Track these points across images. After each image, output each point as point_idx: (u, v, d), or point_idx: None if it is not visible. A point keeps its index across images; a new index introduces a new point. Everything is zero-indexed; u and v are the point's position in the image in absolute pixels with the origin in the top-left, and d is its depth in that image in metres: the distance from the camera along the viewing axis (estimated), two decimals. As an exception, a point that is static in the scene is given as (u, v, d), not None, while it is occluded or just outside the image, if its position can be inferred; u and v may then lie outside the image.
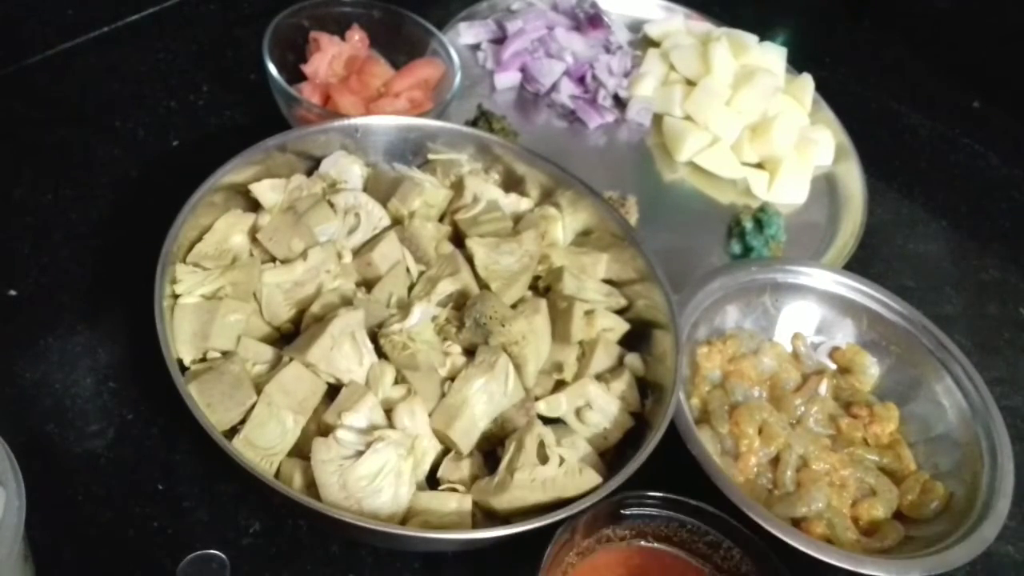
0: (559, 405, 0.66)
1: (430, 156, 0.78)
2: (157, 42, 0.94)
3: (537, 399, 0.65)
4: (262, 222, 0.68)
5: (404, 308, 0.65)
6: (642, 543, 0.62)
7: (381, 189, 0.74)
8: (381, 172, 0.76)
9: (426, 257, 0.71)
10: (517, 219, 0.77)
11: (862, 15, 1.33)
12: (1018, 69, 1.20)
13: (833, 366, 0.80)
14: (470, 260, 0.70)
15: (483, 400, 0.62)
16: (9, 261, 0.73)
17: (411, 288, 0.69)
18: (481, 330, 0.64)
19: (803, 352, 0.80)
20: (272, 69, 0.80)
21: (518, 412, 0.64)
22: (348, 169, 0.74)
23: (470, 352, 0.65)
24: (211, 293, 0.64)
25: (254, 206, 0.71)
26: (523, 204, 0.78)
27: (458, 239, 0.73)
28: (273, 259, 0.68)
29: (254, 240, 0.68)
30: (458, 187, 0.76)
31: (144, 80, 0.90)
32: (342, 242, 0.70)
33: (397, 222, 0.72)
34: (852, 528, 0.68)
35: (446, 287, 0.67)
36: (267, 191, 0.71)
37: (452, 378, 0.64)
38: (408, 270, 0.69)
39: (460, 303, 0.67)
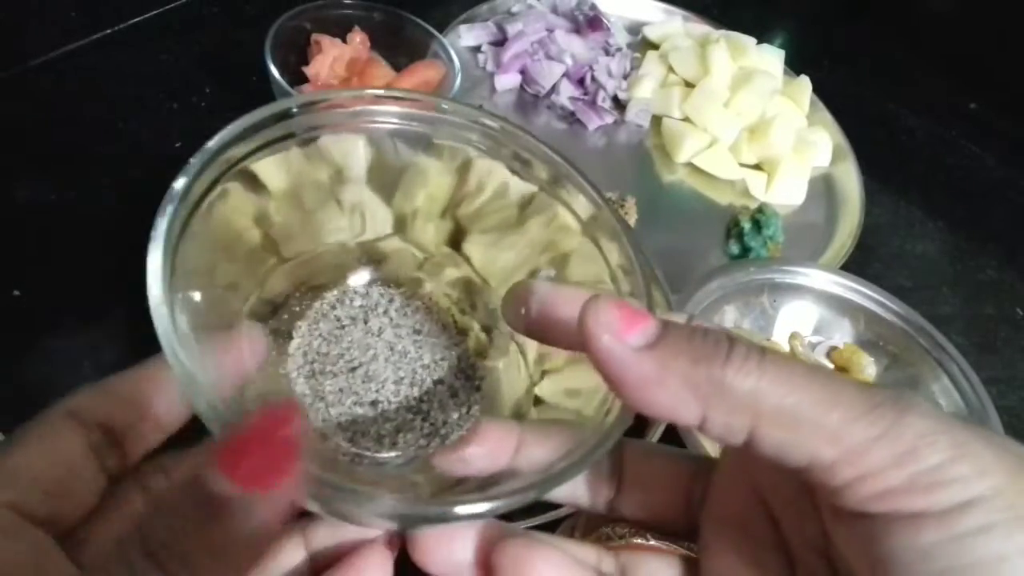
0: (559, 404, 0.66)
1: (435, 140, 0.78)
2: (159, 44, 0.95)
3: (537, 398, 0.66)
4: (269, 209, 0.67)
5: (415, 284, 0.65)
6: (641, 541, 0.62)
7: (385, 179, 0.73)
8: (385, 158, 0.75)
9: (427, 252, 0.71)
10: (526, 203, 0.76)
11: (860, 18, 1.34)
12: (1016, 71, 1.21)
13: (831, 366, 0.81)
14: (468, 260, 0.70)
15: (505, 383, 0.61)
16: (12, 262, 0.73)
17: (419, 270, 0.69)
18: (492, 315, 0.64)
19: (801, 351, 0.81)
20: (274, 71, 0.81)
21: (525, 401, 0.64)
22: (352, 152, 0.73)
23: (487, 330, 0.65)
24: (214, 293, 0.64)
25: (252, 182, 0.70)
26: (533, 187, 0.78)
27: (458, 233, 0.73)
28: (276, 259, 0.68)
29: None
30: (464, 171, 0.75)
31: (146, 82, 0.91)
32: (350, 244, 0.70)
33: (400, 221, 0.72)
34: (850, 526, 0.69)
35: (452, 273, 0.67)
36: (272, 170, 0.69)
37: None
38: (414, 254, 0.69)
39: (468, 288, 0.67)
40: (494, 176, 0.75)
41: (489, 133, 0.76)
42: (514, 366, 0.64)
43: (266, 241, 0.66)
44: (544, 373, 0.67)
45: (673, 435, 0.65)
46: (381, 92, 0.66)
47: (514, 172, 0.77)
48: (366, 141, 0.74)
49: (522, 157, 0.77)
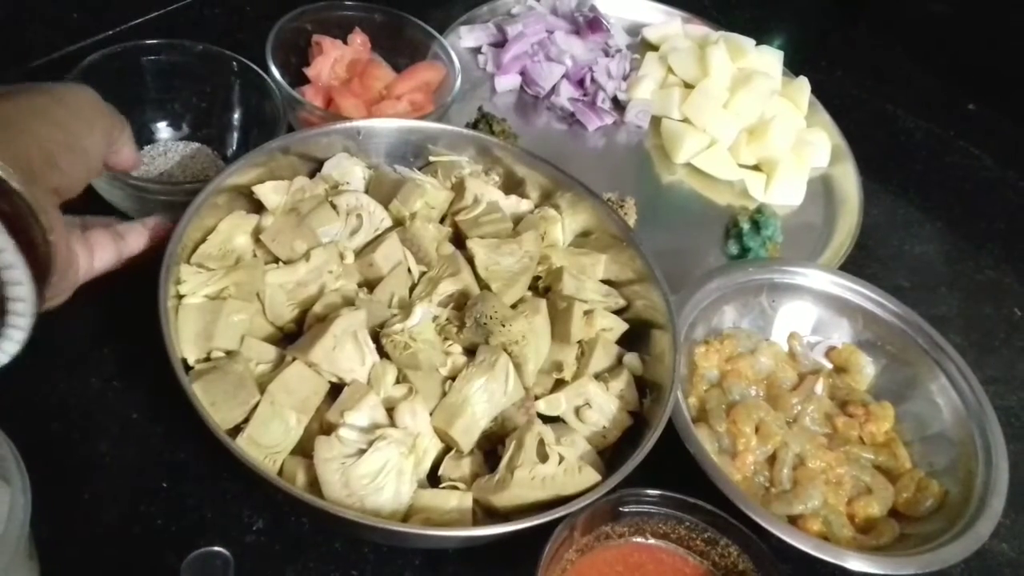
0: (559, 404, 0.66)
1: (431, 158, 0.79)
2: (160, 45, 0.95)
3: (537, 398, 0.66)
4: (265, 223, 0.69)
5: (405, 308, 0.66)
6: (640, 540, 0.62)
7: (383, 191, 0.74)
8: (383, 174, 0.77)
9: (427, 258, 0.71)
10: (517, 220, 0.78)
11: (858, 19, 1.34)
12: (1012, 72, 1.21)
13: (829, 365, 0.81)
14: (471, 261, 0.71)
15: (483, 399, 0.63)
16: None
17: (412, 288, 0.70)
18: (482, 330, 0.65)
19: (799, 352, 0.81)
20: (275, 72, 0.81)
21: (518, 411, 0.64)
22: (350, 171, 0.75)
23: (471, 352, 0.66)
24: (215, 293, 0.64)
25: (257, 207, 0.72)
26: (523, 205, 0.79)
27: (459, 240, 0.74)
28: (276, 260, 0.68)
29: (257, 241, 0.69)
30: (459, 188, 0.77)
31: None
32: (344, 243, 0.70)
33: (398, 223, 0.73)
34: (848, 525, 0.69)
35: (447, 287, 0.68)
36: (270, 193, 0.71)
37: (453, 377, 0.64)
38: (409, 271, 0.70)
39: (461, 303, 0.68)
40: (488, 194, 0.77)
41: (480, 155, 0.77)
42: (499, 381, 0.65)
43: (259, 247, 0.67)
44: (557, 384, 0.67)
45: (673, 434, 0.65)
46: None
47: (507, 192, 0.78)
48: (364, 165, 0.76)
49: (514, 177, 0.79)
